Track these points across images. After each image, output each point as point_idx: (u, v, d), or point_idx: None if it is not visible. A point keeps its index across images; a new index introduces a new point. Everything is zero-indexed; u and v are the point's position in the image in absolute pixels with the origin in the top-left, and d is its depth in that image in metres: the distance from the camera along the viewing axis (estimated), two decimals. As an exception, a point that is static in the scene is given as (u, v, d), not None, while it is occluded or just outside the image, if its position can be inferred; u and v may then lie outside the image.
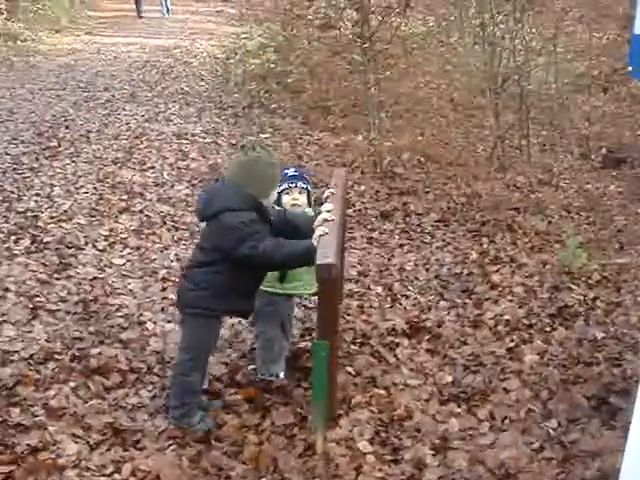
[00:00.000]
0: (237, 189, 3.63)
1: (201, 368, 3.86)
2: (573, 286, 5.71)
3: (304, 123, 11.09)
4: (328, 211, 3.80)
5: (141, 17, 25.56)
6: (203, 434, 3.77)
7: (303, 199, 4.25)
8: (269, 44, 13.43)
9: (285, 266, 3.93)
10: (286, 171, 4.24)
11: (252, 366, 4.40)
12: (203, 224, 3.93)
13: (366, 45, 8.75)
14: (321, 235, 3.60)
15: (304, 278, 4.27)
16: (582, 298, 5.48)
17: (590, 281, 5.81)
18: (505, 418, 3.98)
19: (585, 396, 4.14)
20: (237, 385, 4.26)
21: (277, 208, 4.00)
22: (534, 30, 9.00)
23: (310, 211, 4.10)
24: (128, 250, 6.26)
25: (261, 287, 4.05)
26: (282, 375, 4.30)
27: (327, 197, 4.08)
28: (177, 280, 5.43)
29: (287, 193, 4.20)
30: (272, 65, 12.71)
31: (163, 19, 25.47)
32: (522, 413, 4.02)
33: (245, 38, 15.02)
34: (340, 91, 10.28)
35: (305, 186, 4.28)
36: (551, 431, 3.84)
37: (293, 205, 4.18)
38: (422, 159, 8.61)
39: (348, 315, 5.12)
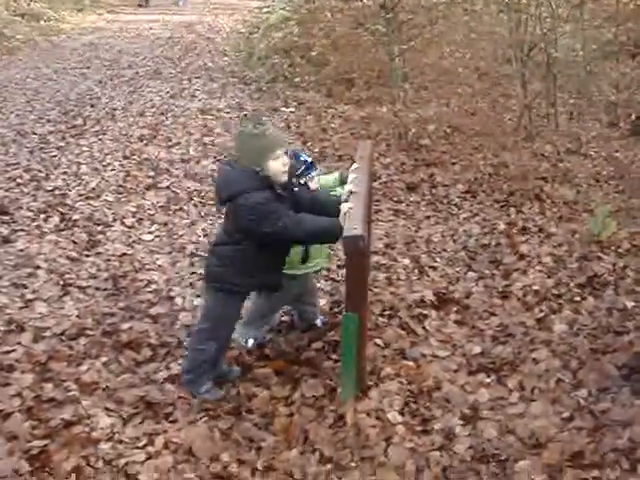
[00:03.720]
0: (246, 170, 3.63)
1: (217, 340, 3.88)
2: (602, 255, 5.66)
3: (328, 96, 11.04)
4: (352, 182, 3.81)
5: (141, 5, 24.12)
6: (211, 402, 3.85)
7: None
8: (292, 17, 13.32)
9: (308, 241, 3.95)
10: (305, 158, 4.14)
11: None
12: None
13: (390, 15, 8.66)
14: (348, 209, 3.60)
15: (324, 253, 4.30)
16: (612, 267, 5.43)
17: (620, 250, 5.75)
18: (535, 388, 3.97)
19: (615, 365, 4.11)
20: (266, 358, 4.29)
21: (306, 189, 3.99)
22: (560, -4, 8.85)
23: (340, 190, 4.05)
24: (156, 226, 6.30)
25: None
26: (250, 343, 4.35)
27: (353, 170, 4.06)
28: (205, 255, 5.48)
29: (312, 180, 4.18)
30: (295, 38, 12.63)
31: (178, 5, 24.24)
32: (552, 383, 4.00)
33: (267, 12, 14.92)
34: (364, 63, 10.18)
35: (319, 170, 4.27)
36: (581, 400, 3.82)
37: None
38: (448, 130, 8.54)
39: (376, 287, 5.12)
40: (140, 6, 24.09)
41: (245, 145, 3.66)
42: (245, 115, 3.70)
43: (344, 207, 3.62)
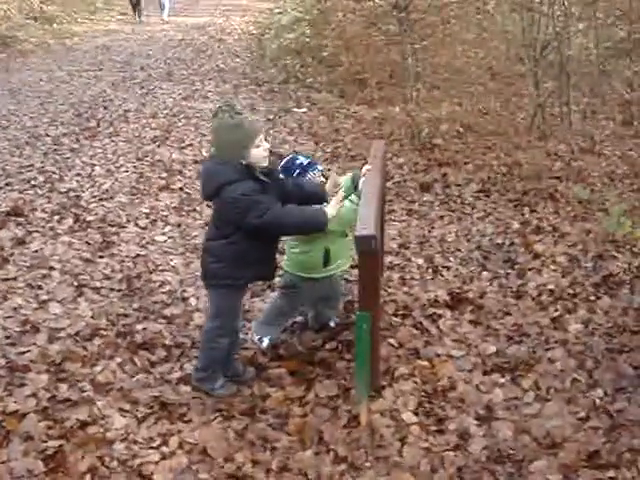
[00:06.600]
0: (227, 162, 3.57)
1: (228, 335, 3.90)
2: (617, 254, 5.62)
3: (340, 96, 11.04)
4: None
5: (141, 21, 21.50)
6: (224, 397, 3.88)
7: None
8: (304, 18, 13.34)
9: (297, 232, 3.92)
10: (300, 161, 4.13)
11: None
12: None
13: (402, 15, 8.65)
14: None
15: (345, 255, 4.28)
16: (627, 266, 5.40)
17: (635, 249, 5.70)
18: (550, 388, 3.94)
19: (631, 365, 4.08)
20: (280, 358, 4.29)
21: (290, 178, 3.96)
22: (573, -6, 8.80)
23: (354, 198, 4.02)
24: (169, 227, 6.32)
25: (300, 273, 4.18)
26: (265, 342, 4.34)
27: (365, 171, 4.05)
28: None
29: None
30: (307, 39, 12.64)
31: (162, 20, 21.68)
32: (567, 383, 3.98)
33: (279, 13, 14.96)
34: (376, 63, 10.16)
35: (322, 169, 4.22)
36: (597, 400, 3.80)
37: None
38: (461, 129, 8.50)
39: (389, 287, 5.11)
40: (136, 14, 21.85)
41: (225, 137, 3.57)
42: (220, 107, 3.54)
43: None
